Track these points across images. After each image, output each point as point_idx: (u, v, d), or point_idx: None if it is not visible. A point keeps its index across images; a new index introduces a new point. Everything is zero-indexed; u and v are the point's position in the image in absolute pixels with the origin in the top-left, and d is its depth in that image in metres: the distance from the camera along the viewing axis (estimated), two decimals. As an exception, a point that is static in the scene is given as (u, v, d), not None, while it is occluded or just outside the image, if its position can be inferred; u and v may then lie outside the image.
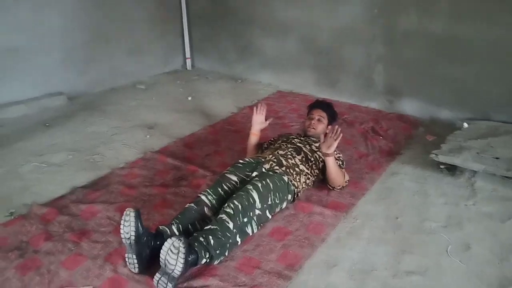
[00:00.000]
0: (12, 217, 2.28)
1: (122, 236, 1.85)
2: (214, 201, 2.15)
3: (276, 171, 2.28)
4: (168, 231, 1.98)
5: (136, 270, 1.86)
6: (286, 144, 2.54)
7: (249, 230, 2.07)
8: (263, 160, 2.36)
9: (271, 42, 4.45)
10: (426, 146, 3.08)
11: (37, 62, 3.81)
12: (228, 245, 1.95)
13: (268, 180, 2.19)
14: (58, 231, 2.17)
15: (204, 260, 1.87)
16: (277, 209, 2.25)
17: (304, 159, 2.46)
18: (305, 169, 2.44)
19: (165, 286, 1.75)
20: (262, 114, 2.70)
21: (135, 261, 1.84)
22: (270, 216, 2.20)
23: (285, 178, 2.27)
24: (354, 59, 3.92)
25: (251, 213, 2.06)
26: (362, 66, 3.88)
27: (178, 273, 1.73)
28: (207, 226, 1.98)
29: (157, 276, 1.77)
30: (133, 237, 1.83)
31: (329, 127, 2.68)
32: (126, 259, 1.89)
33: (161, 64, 4.96)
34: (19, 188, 2.58)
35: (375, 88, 3.87)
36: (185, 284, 1.83)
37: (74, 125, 3.49)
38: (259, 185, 2.14)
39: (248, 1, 4.45)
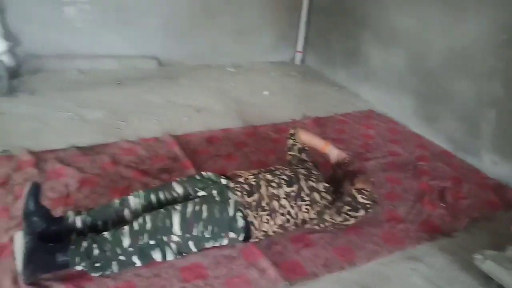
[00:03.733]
0: (-1, 155, 2.41)
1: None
2: (140, 206, 1.86)
3: (229, 200, 1.84)
4: (69, 219, 1.78)
5: (19, 256, 1.63)
6: (290, 170, 2.06)
7: (155, 255, 1.72)
8: (231, 183, 1.93)
9: (377, 51, 3.74)
10: (498, 239, 2.13)
11: (140, 23, 3.97)
12: (115, 262, 1.66)
13: (204, 207, 1.78)
14: (16, 180, 2.19)
15: (79, 268, 1.62)
16: (208, 245, 1.82)
17: (293, 194, 1.94)
18: (287, 206, 1.92)
19: (21, 277, 1.58)
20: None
21: (19, 243, 1.65)
22: (194, 250, 1.79)
23: (231, 211, 1.81)
24: (461, 95, 2.97)
25: (163, 237, 1.70)
26: (470, 107, 2.92)
27: (20, 270, 1.53)
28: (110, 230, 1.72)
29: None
30: (22, 214, 1.70)
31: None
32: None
33: (267, 52, 4.70)
34: (32, 130, 2.72)
35: (480, 139, 2.87)
36: (47, 283, 1.62)
37: (138, 90, 3.54)
38: (189, 209, 1.76)
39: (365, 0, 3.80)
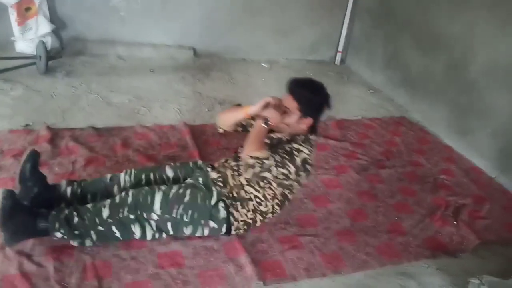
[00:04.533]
0: (21, 128, 2.56)
1: None
2: (129, 184, 1.91)
3: (213, 189, 1.82)
4: (61, 188, 1.86)
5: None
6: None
7: (135, 230, 1.74)
8: (214, 174, 1.92)
9: (417, 56, 3.53)
10: (510, 266, 1.94)
11: (182, 14, 4.03)
12: (93, 231, 1.70)
13: (187, 191, 1.79)
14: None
15: (59, 235, 1.68)
16: (187, 231, 1.81)
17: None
18: (252, 191, 1.85)
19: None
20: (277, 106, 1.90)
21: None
22: (171, 231, 1.80)
23: (213, 200, 1.79)
24: (501, 111, 2.73)
25: (143, 214, 1.73)
26: (508, 124, 2.67)
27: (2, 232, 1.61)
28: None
29: None
30: (17, 177, 1.80)
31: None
32: None
33: (306, 50, 4.60)
34: (60, 109, 2.86)
35: (515, 159, 2.63)
36: (30, 252, 1.70)
37: (168, 79, 3.61)
38: (173, 191, 1.77)
39: (409, 1, 3.60)
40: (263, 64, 4.29)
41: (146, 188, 1.77)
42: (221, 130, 2.13)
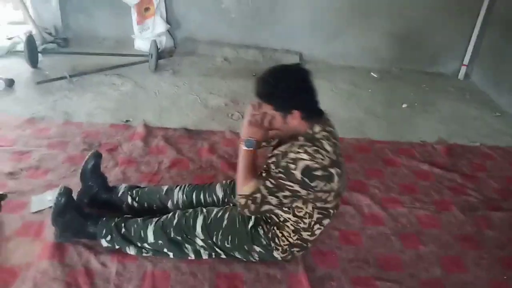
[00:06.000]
0: (121, 123, 2.70)
1: None
2: (181, 200, 1.87)
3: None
4: (119, 192, 1.89)
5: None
6: None
7: (189, 251, 1.70)
8: None
9: None
10: None
11: (290, 18, 3.94)
12: (138, 243, 1.69)
13: (226, 216, 1.68)
14: (123, 149, 2.43)
15: (105, 243, 1.71)
16: (238, 255, 1.70)
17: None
18: (283, 213, 1.60)
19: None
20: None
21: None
22: (223, 255, 1.71)
23: (251, 223, 1.66)
24: None
25: (188, 236, 1.68)
26: None
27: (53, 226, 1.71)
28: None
29: None
30: (80, 173, 1.89)
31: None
32: None
33: (425, 61, 4.14)
34: (160, 107, 2.98)
35: None
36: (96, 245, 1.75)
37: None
38: (212, 215, 1.69)
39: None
40: (372, 74, 3.98)
41: (190, 210, 1.72)
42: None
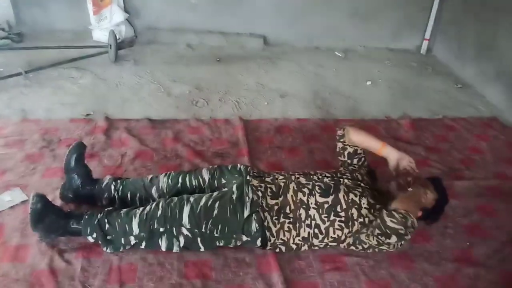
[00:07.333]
0: (82, 117, 2.63)
1: None
2: (166, 186, 1.83)
3: (247, 200, 1.66)
4: (103, 183, 1.85)
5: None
6: (331, 177, 1.77)
7: (161, 243, 1.66)
8: (256, 181, 1.74)
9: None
10: None
11: (253, 2, 3.89)
12: (123, 239, 1.66)
13: (216, 205, 1.65)
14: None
15: (91, 239, 1.67)
16: (220, 243, 1.68)
17: (327, 205, 1.66)
18: (317, 218, 1.66)
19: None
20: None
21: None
22: (202, 248, 1.68)
23: (246, 212, 1.64)
24: None
25: (173, 228, 1.64)
26: None
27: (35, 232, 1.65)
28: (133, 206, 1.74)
29: None
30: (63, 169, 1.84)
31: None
32: None
33: (388, 37, 4.17)
34: (122, 98, 2.90)
35: None
36: (63, 247, 1.70)
37: (233, 69, 3.50)
38: (201, 204, 1.65)
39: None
40: (337, 53, 3.99)
41: (175, 200, 1.68)
42: (343, 144, 1.96)
